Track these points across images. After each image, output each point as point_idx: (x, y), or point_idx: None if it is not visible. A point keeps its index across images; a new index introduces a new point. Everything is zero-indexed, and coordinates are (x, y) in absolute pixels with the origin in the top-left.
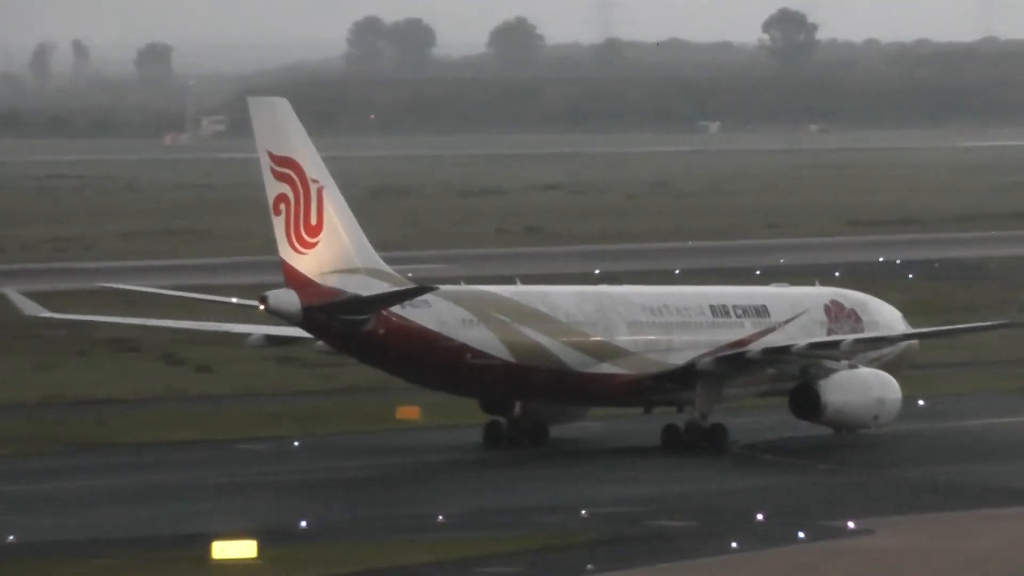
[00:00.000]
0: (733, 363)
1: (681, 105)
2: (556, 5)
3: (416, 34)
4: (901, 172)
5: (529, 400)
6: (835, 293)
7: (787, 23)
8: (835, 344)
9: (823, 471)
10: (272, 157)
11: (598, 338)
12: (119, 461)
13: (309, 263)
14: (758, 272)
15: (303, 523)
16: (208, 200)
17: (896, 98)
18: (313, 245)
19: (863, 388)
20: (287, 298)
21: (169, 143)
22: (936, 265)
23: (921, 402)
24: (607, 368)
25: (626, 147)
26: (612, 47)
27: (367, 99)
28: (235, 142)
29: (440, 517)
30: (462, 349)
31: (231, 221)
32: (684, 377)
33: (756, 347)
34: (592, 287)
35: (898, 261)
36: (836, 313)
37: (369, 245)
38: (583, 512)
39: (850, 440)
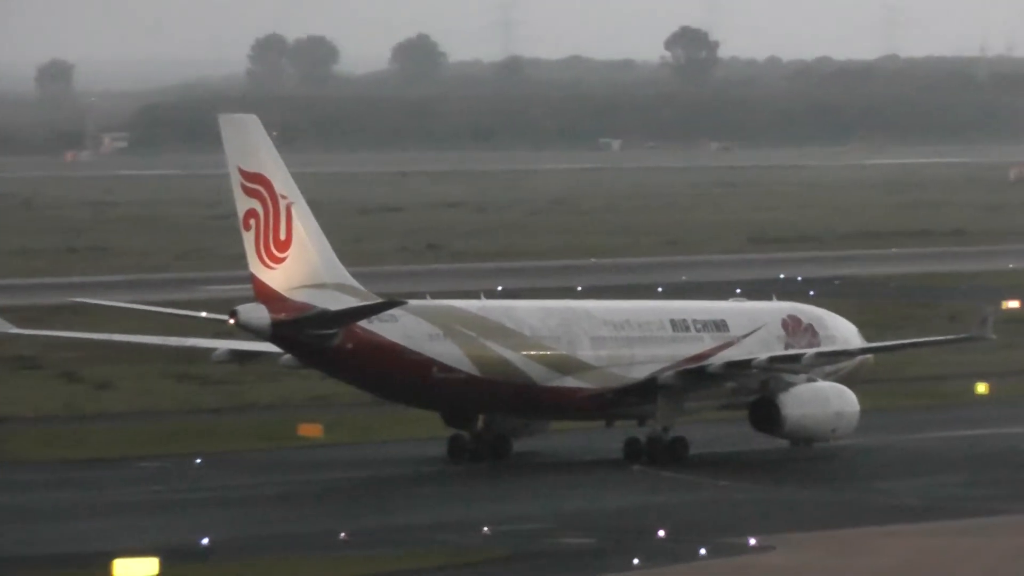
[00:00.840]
0: (694, 377)
1: (583, 122)
2: (458, 22)
3: (319, 51)
4: (802, 190)
5: (493, 414)
6: (792, 308)
7: (689, 40)
8: (796, 358)
9: (724, 488)
10: (242, 173)
11: (562, 352)
12: (17, 479)
13: (278, 278)
14: (660, 289)
15: (205, 540)
16: (108, 218)
17: (797, 116)
18: (282, 260)
19: (822, 401)
20: (256, 312)
21: (70, 160)
22: (837, 282)
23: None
24: (570, 382)
25: (528, 164)
26: (514, 64)
27: (269, 116)
28: (137, 159)
29: (342, 534)
30: (428, 363)
31: (132, 238)
32: (646, 391)
33: (717, 361)
34: (556, 302)
35: (799, 278)
36: (793, 327)
37: (337, 260)
38: (485, 529)
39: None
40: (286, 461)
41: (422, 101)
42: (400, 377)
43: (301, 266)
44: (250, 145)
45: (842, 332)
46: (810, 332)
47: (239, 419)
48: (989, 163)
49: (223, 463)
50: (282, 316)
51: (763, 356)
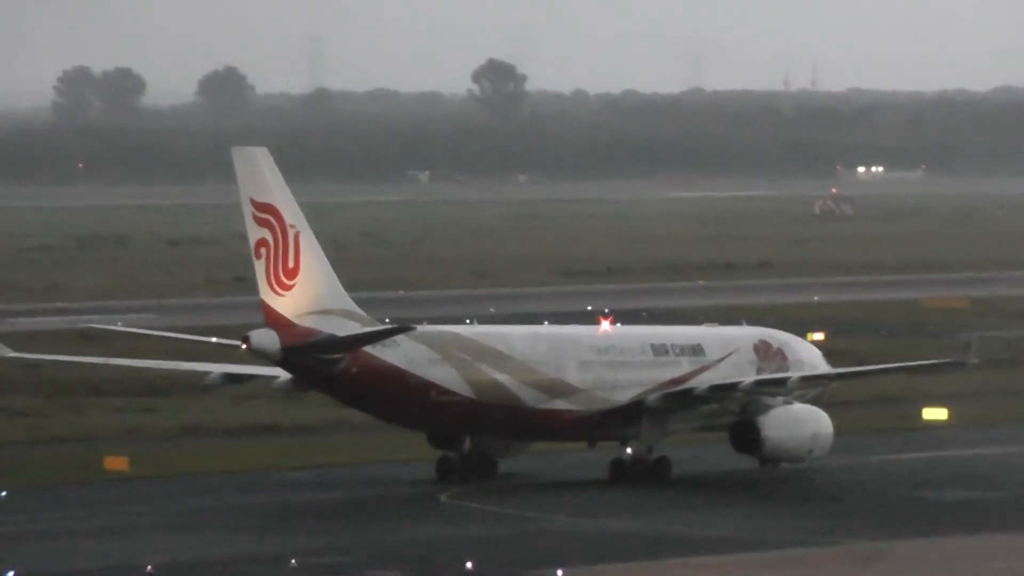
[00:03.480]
0: (680, 399)
1: (391, 155)
2: (266, 54)
3: (125, 83)
4: (609, 222)
5: (485, 435)
6: (763, 333)
7: (496, 73)
8: (782, 381)
9: (533, 520)
10: (254, 204)
11: (551, 376)
12: None
13: (287, 304)
14: (468, 321)
15: (11, 574)
16: None
17: (604, 149)
18: (291, 287)
19: (799, 423)
20: (267, 338)
21: None
22: (644, 314)
23: (629, 450)
24: (559, 404)
25: (336, 197)
26: (321, 96)
27: (75, 148)
28: None
29: (149, 567)
30: (428, 387)
31: None
32: (630, 413)
33: (703, 384)
34: (543, 327)
35: (606, 310)
36: (764, 352)
37: (341, 287)
38: (292, 562)
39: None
40: (94, 497)
41: (229, 133)
42: (401, 400)
43: (308, 293)
44: (261, 177)
45: (808, 356)
46: (780, 356)
47: (45, 452)
48: (794, 196)
49: (30, 497)
50: (291, 342)
51: (749, 380)
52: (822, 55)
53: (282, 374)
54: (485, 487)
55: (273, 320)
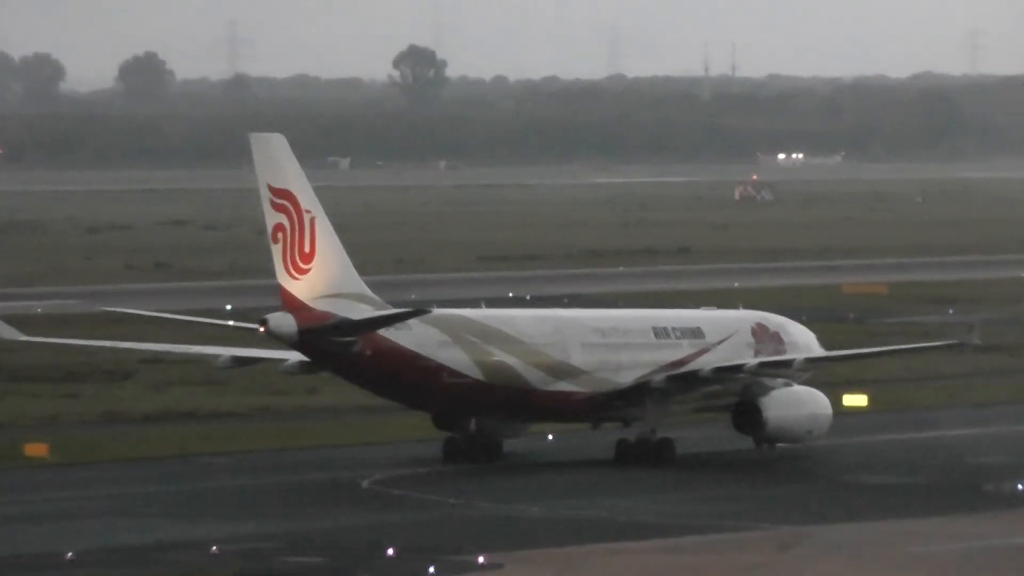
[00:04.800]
0: (684, 381)
1: (311, 141)
2: (186, 40)
3: (44, 68)
4: (529, 208)
5: (492, 416)
6: (760, 316)
7: (416, 59)
8: (787, 363)
9: (453, 505)
10: (271, 189)
11: (556, 358)
12: None
13: (303, 288)
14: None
15: None
16: None
17: (524, 135)
18: (307, 271)
19: (799, 404)
20: (285, 321)
21: None
22: (566, 300)
23: (550, 437)
24: (564, 386)
25: (254, 183)
26: (241, 82)
27: None
28: None
29: (70, 554)
30: (439, 369)
31: None
32: (634, 395)
33: (704, 366)
34: (547, 310)
35: (528, 297)
36: (761, 334)
37: (355, 271)
38: (213, 548)
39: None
40: (14, 483)
41: (149, 119)
42: (412, 382)
43: (323, 277)
44: (278, 162)
45: (803, 338)
46: (776, 339)
47: None
48: (714, 182)
49: None
50: (307, 325)
51: (754, 361)
52: (741, 41)
53: (290, 357)
54: (409, 475)
55: (290, 303)
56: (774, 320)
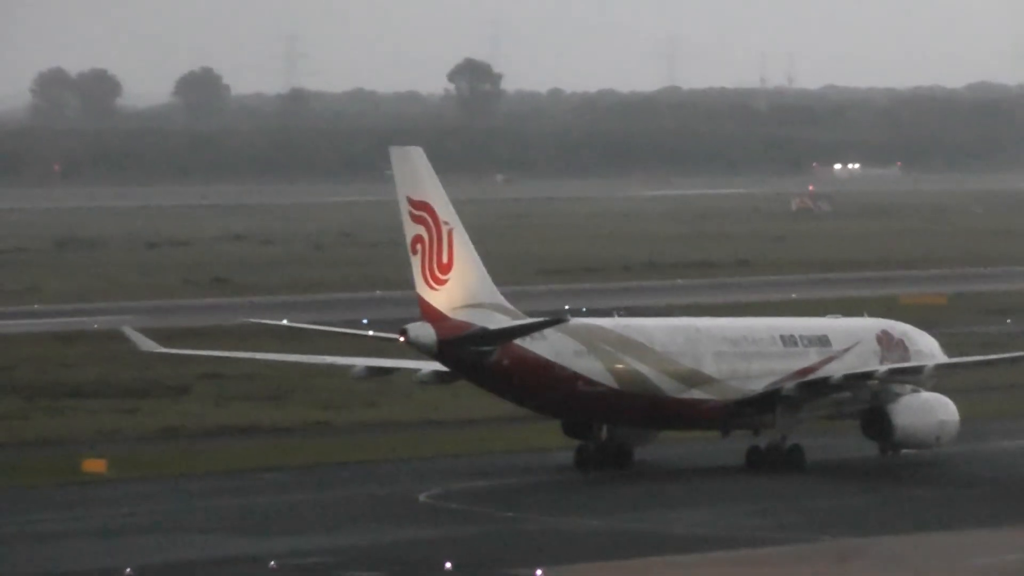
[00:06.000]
0: (815, 388)
1: (368, 155)
2: (242, 55)
3: (101, 84)
4: (586, 221)
5: (625, 424)
6: (884, 324)
7: (472, 73)
8: (918, 369)
9: (510, 519)
10: (410, 201)
11: (689, 367)
12: None
13: (441, 298)
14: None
15: None
16: None
17: (580, 148)
18: (445, 282)
19: (927, 411)
20: (424, 331)
21: None
22: (622, 313)
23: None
24: (696, 394)
25: (313, 197)
26: (298, 97)
27: (52, 150)
28: None
29: (128, 570)
30: (574, 377)
31: None
32: (764, 402)
33: (832, 373)
34: (679, 320)
35: (584, 309)
36: (887, 342)
37: (491, 282)
38: (272, 564)
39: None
40: (72, 499)
41: (205, 134)
42: (548, 390)
43: (461, 287)
44: (417, 175)
45: (927, 346)
46: (901, 346)
47: (23, 455)
48: (771, 193)
49: (7, 500)
50: (446, 335)
51: (884, 368)
52: (798, 52)
53: (424, 366)
54: (467, 489)
55: (428, 314)
56: (899, 328)
